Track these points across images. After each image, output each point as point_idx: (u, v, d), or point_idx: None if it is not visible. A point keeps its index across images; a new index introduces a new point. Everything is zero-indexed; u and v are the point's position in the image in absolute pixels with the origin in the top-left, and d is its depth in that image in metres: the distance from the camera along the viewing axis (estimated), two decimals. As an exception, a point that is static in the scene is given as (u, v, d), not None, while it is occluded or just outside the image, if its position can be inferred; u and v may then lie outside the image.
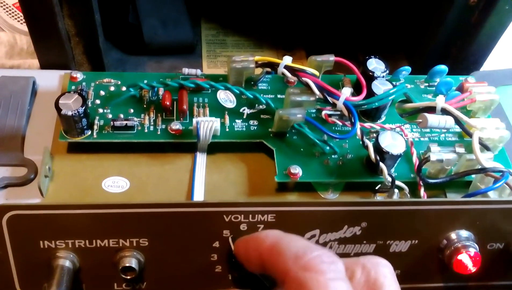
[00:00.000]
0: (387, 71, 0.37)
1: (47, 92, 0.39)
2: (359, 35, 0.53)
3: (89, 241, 0.28)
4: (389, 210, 0.29)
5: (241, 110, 0.37)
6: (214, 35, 0.54)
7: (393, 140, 0.33)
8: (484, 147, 0.34)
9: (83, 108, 0.33)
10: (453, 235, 0.30)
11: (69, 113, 0.33)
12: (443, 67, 0.39)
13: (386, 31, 0.52)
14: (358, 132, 0.34)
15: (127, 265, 0.28)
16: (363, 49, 0.52)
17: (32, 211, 0.27)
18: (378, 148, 0.33)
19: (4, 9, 0.51)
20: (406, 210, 0.29)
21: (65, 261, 0.28)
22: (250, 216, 0.28)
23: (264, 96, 0.38)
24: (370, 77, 0.37)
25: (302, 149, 0.36)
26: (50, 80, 0.40)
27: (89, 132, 0.35)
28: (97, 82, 0.38)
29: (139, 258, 0.28)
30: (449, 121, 0.34)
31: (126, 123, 0.35)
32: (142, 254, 0.29)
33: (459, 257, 0.29)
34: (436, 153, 0.33)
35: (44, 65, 0.41)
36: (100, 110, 0.36)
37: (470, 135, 0.34)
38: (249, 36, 0.54)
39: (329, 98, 0.35)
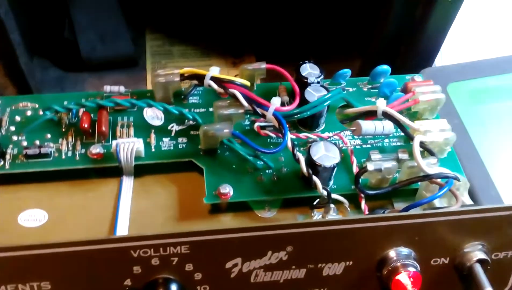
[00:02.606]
0: (322, 76, 0.34)
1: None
2: (310, 37, 0.50)
3: (-17, 288, 0.25)
4: (315, 231, 0.26)
5: (169, 127, 0.35)
6: (160, 46, 0.51)
7: (326, 151, 0.31)
8: (428, 151, 0.31)
9: (-12, 138, 0.31)
10: (391, 253, 0.27)
11: (-28, 145, 0.30)
12: (385, 67, 0.36)
13: (337, 32, 0.49)
14: (289, 144, 0.31)
15: (27, 312, 0.25)
16: (316, 52, 0.49)
17: None
18: (310, 161, 0.30)
19: None
20: (334, 230, 0.26)
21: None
22: (161, 249, 0.25)
23: (195, 110, 0.35)
24: (304, 84, 0.34)
25: (234, 166, 0.33)
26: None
27: (1, 163, 0.32)
28: (13, 107, 0.35)
29: (41, 303, 0.26)
30: (387, 126, 0.32)
31: (40, 151, 0.32)
32: (44, 299, 0.26)
33: (398, 277, 0.27)
34: (374, 162, 0.30)
35: (-35, 91, 0.39)
36: (15, 138, 0.33)
37: (412, 140, 0.31)
38: (196, 45, 0.51)
39: (258, 110, 0.32)
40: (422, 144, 0.31)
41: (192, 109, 0.35)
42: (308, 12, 0.51)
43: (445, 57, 0.42)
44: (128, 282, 0.26)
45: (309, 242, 0.26)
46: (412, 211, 0.29)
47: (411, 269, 0.27)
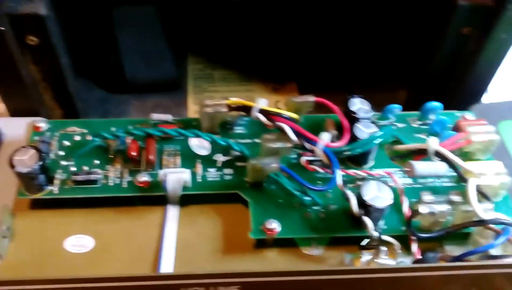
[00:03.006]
0: (372, 113, 0.34)
1: (13, 142, 0.37)
2: (353, 65, 0.50)
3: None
4: (370, 278, 0.25)
5: (214, 157, 0.34)
6: (201, 69, 0.52)
7: (378, 191, 0.30)
8: (483, 195, 0.30)
9: (40, 163, 0.31)
10: (446, 303, 0.26)
11: (24, 170, 0.30)
12: (436, 104, 0.35)
13: (380, 62, 0.49)
14: (339, 182, 0.30)
15: None
16: (359, 81, 0.49)
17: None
18: (361, 201, 0.30)
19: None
20: (391, 277, 0.25)
21: None
22: (212, 288, 0.25)
23: (241, 140, 0.35)
24: (353, 119, 0.33)
25: (281, 200, 0.33)
26: (17, 128, 0.38)
27: (50, 188, 0.32)
28: (62, 131, 0.35)
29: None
30: (441, 168, 0.31)
31: (89, 178, 0.32)
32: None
33: (454, 329, 0.26)
34: (427, 205, 0.30)
35: (13, 112, 0.39)
36: (63, 163, 0.34)
37: (466, 182, 0.30)
38: (237, 70, 0.51)
39: (306, 145, 0.32)
40: (477, 188, 0.30)
41: (237, 140, 0.35)
42: (352, 41, 0.51)
43: (491, 93, 0.41)
44: (176, 319, 0.26)
45: (363, 288, 0.26)
46: (468, 259, 0.28)
47: (468, 321, 0.26)
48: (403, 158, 0.34)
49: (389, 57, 0.49)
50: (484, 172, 0.31)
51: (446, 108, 0.37)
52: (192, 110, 0.48)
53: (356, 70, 0.50)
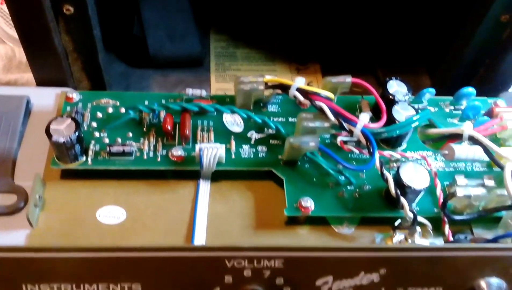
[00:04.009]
0: (409, 94, 0.34)
1: (42, 112, 0.37)
2: (377, 47, 0.49)
3: (76, 285, 0.25)
4: (411, 256, 0.26)
5: (248, 135, 0.34)
6: (224, 48, 0.51)
7: (416, 173, 0.30)
8: (517, 181, 0.31)
9: (76, 134, 0.31)
10: (482, 283, 0.27)
11: (61, 140, 0.30)
12: (471, 90, 0.35)
13: (407, 45, 0.49)
14: (377, 163, 0.30)
15: (118, 313, 0.25)
16: (382, 63, 0.48)
17: (14, 253, 0.24)
18: (398, 182, 0.30)
19: (4, 19, 0.49)
20: (430, 256, 0.26)
21: (50, 307, 0.25)
22: (255, 261, 0.25)
23: (274, 119, 0.35)
24: (390, 101, 0.33)
25: (314, 179, 0.33)
26: (46, 98, 0.37)
27: (84, 158, 0.32)
28: (94, 103, 0.35)
29: (131, 305, 0.26)
30: (477, 153, 0.31)
31: (124, 149, 0.32)
32: (134, 301, 0.26)
33: (490, 309, 0.26)
34: (463, 187, 0.30)
35: (40, 82, 0.39)
36: (97, 134, 0.34)
37: (501, 167, 0.31)
38: (260, 49, 0.51)
39: (345, 125, 0.32)
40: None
41: (271, 118, 0.35)
42: (377, 23, 0.50)
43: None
44: (217, 290, 0.26)
45: (403, 265, 0.26)
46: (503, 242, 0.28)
47: (505, 301, 0.26)
48: (435, 142, 0.35)
49: (413, 41, 0.48)
50: (518, 158, 0.31)
51: (475, 94, 0.37)
52: (214, 88, 0.47)
53: (380, 53, 0.49)
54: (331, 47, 0.50)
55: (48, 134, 0.30)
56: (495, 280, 0.27)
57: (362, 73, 0.35)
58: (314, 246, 0.25)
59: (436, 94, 0.37)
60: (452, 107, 0.37)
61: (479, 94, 0.38)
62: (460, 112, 0.36)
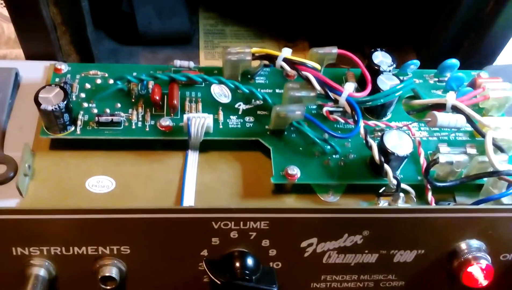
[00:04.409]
0: (394, 65, 0.34)
1: (30, 84, 0.37)
2: (364, 25, 0.50)
3: (65, 248, 0.26)
4: (394, 218, 0.26)
5: (236, 106, 0.35)
6: (213, 25, 0.51)
7: (399, 140, 0.31)
8: (498, 148, 0.31)
9: (65, 102, 0.31)
10: (463, 245, 0.28)
11: (49, 108, 0.31)
12: (454, 61, 0.36)
13: (393, 21, 0.49)
14: (362, 131, 0.31)
15: (107, 274, 0.26)
16: (369, 40, 0.49)
17: (3, 215, 0.25)
18: (382, 149, 0.30)
19: (-9, -4, 0.49)
20: (413, 218, 0.26)
21: (40, 269, 0.26)
22: (242, 223, 0.26)
23: (262, 90, 0.35)
24: (375, 72, 0.34)
25: (301, 148, 0.33)
26: (35, 71, 0.37)
27: (72, 128, 0.33)
28: (83, 74, 0.35)
29: (120, 267, 0.26)
30: (460, 120, 0.32)
31: (112, 119, 0.33)
32: (123, 263, 0.26)
33: (469, 269, 0.27)
34: (446, 154, 0.31)
35: (29, 56, 0.39)
36: (85, 104, 0.34)
37: (483, 135, 0.31)
38: (249, 26, 0.51)
39: (330, 94, 0.32)
40: (493, 141, 0.31)
41: (258, 89, 0.35)
42: (363, 1, 0.51)
43: (505, 55, 0.42)
44: (205, 252, 0.27)
45: (387, 227, 0.27)
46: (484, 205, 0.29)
47: (484, 261, 0.27)
48: (420, 112, 0.35)
49: (400, 18, 0.49)
50: (499, 126, 0.32)
51: (459, 67, 0.38)
52: (204, 65, 0.48)
53: (367, 31, 0.50)
54: (319, 24, 0.51)
55: (37, 103, 0.31)
56: (475, 242, 0.28)
57: (349, 50, 0.36)
58: (299, 208, 0.26)
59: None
60: (436, 79, 0.37)
61: (463, 68, 0.39)
62: (444, 83, 0.37)
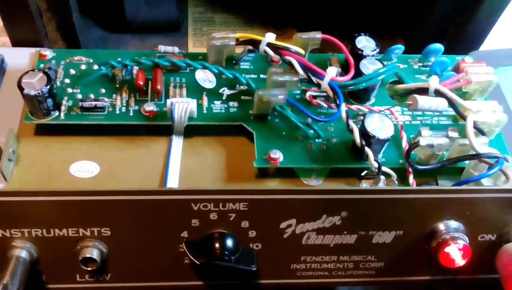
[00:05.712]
0: (378, 50, 0.34)
1: (16, 70, 0.37)
2: (352, 12, 0.50)
3: (46, 230, 0.26)
4: (371, 198, 0.27)
5: (220, 91, 0.35)
6: (202, 13, 0.51)
7: (381, 124, 0.31)
8: (479, 131, 0.32)
9: (48, 87, 0.31)
10: (441, 226, 0.28)
11: (32, 92, 0.31)
12: (438, 46, 0.36)
13: (381, 8, 0.49)
14: (343, 114, 0.31)
15: (88, 255, 0.26)
16: (357, 27, 0.49)
17: (-16, 197, 0.25)
18: (363, 132, 0.31)
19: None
20: (390, 198, 0.27)
21: (21, 251, 0.26)
22: (221, 204, 0.26)
23: (246, 76, 0.36)
24: (359, 56, 0.34)
25: (284, 133, 0.33)
26: (20, 58, 0.38)
27: (56, 113, 0.33)
28: (68, 60, 0.35)
29: (101, 248, 0.27)
30: (441, 104, 0.32)
31: (96, 104, 0.33)
32: (104, 245, 0.27)
33: (447, 249, 0.27)
34: (427, 137, 0.31)
35: (15, 42, 0.39)
36: (69, 90, 0.34)
37: (464, 119, 0.32)
38: (238, 14, 0.51)
39: (313, 78, 0.32)
40: (474, 124, 0.31)
41: (243, 74, 0.36)
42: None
43: (491, 41, 0.42)
44: (185, 234, 0.27)
45: (364, 208, 0.27)
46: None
47: (461, 241, 0.27)
48: (403, 96, 0.35)
49: (388, 5, 0.49)
50: (481, 110, 0.32)
51: (445, 53, 0.38)
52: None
53: (355, 18, 0.50)
54: (308, 11, 0.51)
55: (20, 87, 0.31)
56: (453, 223, 0.28)
57: (338, 38, 0.36)
58: (277, 189, 0.26)
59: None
60: (420, 64, 0.37)
61: (450, 53, 0.39)
62: (428, 68, 0.37)
